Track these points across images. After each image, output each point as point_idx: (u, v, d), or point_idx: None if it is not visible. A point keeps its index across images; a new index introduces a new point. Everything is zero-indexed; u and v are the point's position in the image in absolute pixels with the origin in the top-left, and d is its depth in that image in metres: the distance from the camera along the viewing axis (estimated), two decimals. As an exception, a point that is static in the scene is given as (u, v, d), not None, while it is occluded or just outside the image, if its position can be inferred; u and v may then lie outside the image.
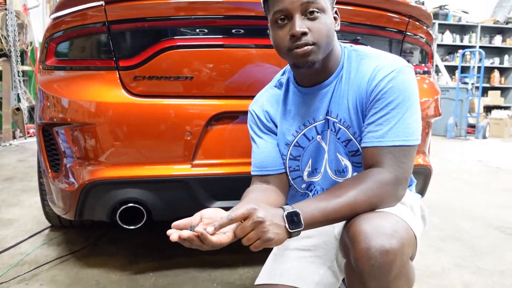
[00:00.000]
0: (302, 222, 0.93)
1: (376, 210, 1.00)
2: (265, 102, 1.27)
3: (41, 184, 2.08)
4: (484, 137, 6.49)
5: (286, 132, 1.21)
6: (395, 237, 0.91)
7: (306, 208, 0.95)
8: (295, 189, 1.27)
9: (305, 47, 1.03)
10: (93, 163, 1.54)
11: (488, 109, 8.29)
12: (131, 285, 1.73)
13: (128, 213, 1.58)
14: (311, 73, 1.12)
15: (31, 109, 5.67)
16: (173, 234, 0.87)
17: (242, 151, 1.63)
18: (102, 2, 1.53)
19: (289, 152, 1.21)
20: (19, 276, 1.77)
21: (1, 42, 5.54)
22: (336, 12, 1.11)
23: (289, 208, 0.94)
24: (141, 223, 1.58)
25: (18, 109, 5.51)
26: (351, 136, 1.11)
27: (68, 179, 1.61)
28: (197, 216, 0.95)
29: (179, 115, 1.56)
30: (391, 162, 1.01)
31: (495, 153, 5.24)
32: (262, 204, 0.96)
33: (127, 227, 1.58)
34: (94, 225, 2.31)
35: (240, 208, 0.90)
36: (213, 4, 1.56)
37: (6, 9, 5.52)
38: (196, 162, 1.58)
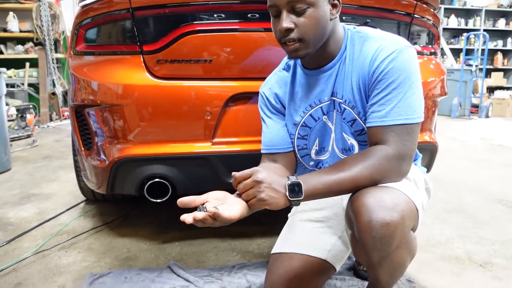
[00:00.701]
0: (303, 193, 0.93)
1: (379, 185, 0.97)
2: (274, 84, 1.24)
3: (75, 162, 2.11)
4: (487, 116, 6.33)
5: (293, 113, 1.19)
6: (396, 210, 0.90)
7: (310, 180, 0.96)
8: (304, 166, 1.25)
9: (292, 44, 1.01)
10: (122, 141, 1.54)
11: (491, 89, 8.06)
12: (159, 253, 1.75)
13: (155, 188, 1.58)
14: (313, 58, 1.09)
15: (65, 94, 5.72)
16: (187, 217, 0.86)
17: (258, 129, 1.60)
18: (126, -10, 1.50)
19: (297, 132, 1.20)
20: (59, 244, 1.81)
21: (37, 32, 5.57)
22: (338, 0, 1.04)
23: (293, 179, 0.95)
24: (167, 197, 1.59)
25: (54, 93, 5.56)
26: (356, 116, 1.09)
27: (99, 157, 1.61)
28: (203, 196, 0.95)
29: (199, 96, 1.54)
30: (395, 139, 0.99)
31: (497, 132, 5.11)
32: (270, 171, 0.98)
33: (154, 200, 1.59)
34: (125, 199, 2.34)
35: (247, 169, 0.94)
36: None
37: (40, 0, 5.52)
38: (216, 140, 1.57)
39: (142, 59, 1.54)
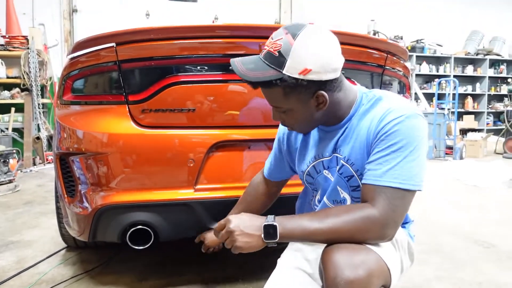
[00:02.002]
0: (278, 236, 0.96)
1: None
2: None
3: (58, 208, 2.07)
4: (461, 157, 6.49)
5: (303, 160, 1.22)
6: (362, 268, 0.90)
7: (287, 223, 0.98)
8: (309, 201, 1.28)
9: (288, 128, 1.14)
10: (105, 188, 1.54)
11: (463, 131, 8.31)
12: (140, 301, 1.70)
13: (137, 235, 1.57)
14: (323, 120, 1.11)
15: (50, 138, 5.68)
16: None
17: (241, 176, 1.63)
18: (113, 44, 1.56)
19: (304, 178, 1.23)
20: (36, 294, 1.74)
21: (24, 78, 5.59)
22: (322, 96, 1.01)
23: (270, 220, 0.98)
24: (149, 244, 1.57)
25: (38, 138, 5.51)
26: (354, 173, 1.08)
27: (82, 204, 1.60)
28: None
29: (183, 144, 1.57)
30: (384, 202, 0.96)
31: (471, 172, 5.23)
32: (244, 215, 1.02)
33: (136, 247, 1.57)
34: (107, 245, 2.28)
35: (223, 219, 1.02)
36: (212, 44, 1.59)
37: (28, 48, 5.58)
38: (199, 186, 1.58)
39: (127, 109, 1.57)
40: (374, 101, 1.07)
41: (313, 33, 0.98)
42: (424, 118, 1.03)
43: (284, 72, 0.96)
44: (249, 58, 1.03)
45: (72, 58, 1.65)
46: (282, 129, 1.31)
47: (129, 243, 1.56)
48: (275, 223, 0.96)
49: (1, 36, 5.73)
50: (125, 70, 1.57)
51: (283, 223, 0.97)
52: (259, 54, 1.03)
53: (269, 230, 0.95)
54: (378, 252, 0.96)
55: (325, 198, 1.17)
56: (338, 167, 1.11)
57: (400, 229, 1.17)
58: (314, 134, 1.20)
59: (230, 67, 1.04)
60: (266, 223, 0.96)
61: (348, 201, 1.13)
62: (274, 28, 2.07)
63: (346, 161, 1.09)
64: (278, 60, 0.97)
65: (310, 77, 0.97)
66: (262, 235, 0.95)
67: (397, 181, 0.96)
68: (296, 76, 0.96)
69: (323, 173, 1.16)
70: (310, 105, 1.03)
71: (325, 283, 0.92)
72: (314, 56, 0.96)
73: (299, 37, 0.96)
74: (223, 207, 1.59)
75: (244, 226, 0.97)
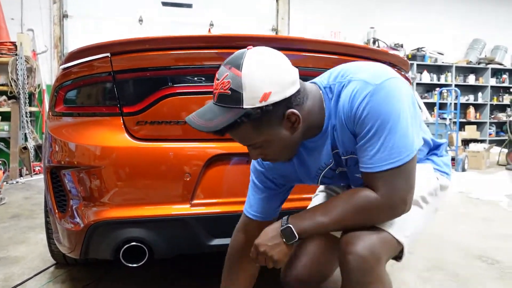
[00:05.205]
0: (296, 235, 1.03)
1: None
2: None
3: (47, 223, 2.06)
4: (463, 169, 6.52)
5: (308, 174, 1.20)
6: (370, 249, 0.99)
7: (301, 222, 1.04)
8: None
9: (272, 161, 1.15)
10: (98, 204, 1.54)
11: (465, 142, 8.37)
12: (133, 321, 1.69)
13: (131, 252, 1.57)
14: (305, 134, 1.09)
15: (37, 148, 5.66)
16: None
17: (239, 190, 1.63)
18: (108, 54, 1.57)
19: (319, 181, 1.21)
20: (24, 313, 1.73)
21: (11, 85, 5.58)
22: (293, 114, 0.98)
23: (284, 223, 1.05)
24: (143, 261, 1.56)
25: (25, 148, 5.49)
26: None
27: (74, 219, 1.60)
28: None
29: (178, 158, 1.57)
30: (383, 187, 0.98)
31: (474, 185, 5.26)
32: (264, 231, 1.09)
33: (130, 265, 1.56)
34: (98, 262, 2.27)
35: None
36: (209, 55, 1.61)
37: (16, 54, 5.59)
38: (195, 201, 1.59)
39: (122, 121, 1.58)
40: (339, 92, 1.04)
41: (256, 57, 0.96)
42: (392, 76, 0.99)
43: (245, 106, 0.93)
44: (203, 108, 1.01)
45: (65, 69, 1.66)
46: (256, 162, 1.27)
47: (123, 261, 1.55)
48: (289, 225, 1.03)
49: (-12, 42, 5.74)
50: (119, 81, 1.58)
51: (297, 223, 1.04)
52: (211, 101, 1.01)
53: (287, 233, 1.03)
54: (389, 231, 1.04)
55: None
56: (346, 162, 1.12)
57: (430, 168, 1.27)
58: (305, 149, 1.16)
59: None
60: (281, 228, 1.04)
61: None
62: (272, 39, 2.11)
63: (347, 154, 1.09)
64: (233, 97, 0.93)
65: (272, 99, 0.94)
66: (284, 240, 1.03)
67: (387, 162, 0.97)
68: (258, 105, 0.93)
69: (337, 172, 1.17)
70: (284, 128, 1.00)
71: (339, 258, 1.03)
72: (267, 77, 0.94)
73: (244, 65, 0.94)
74: (220, 223, 1.60)
75: (268, 240, 1.05)
